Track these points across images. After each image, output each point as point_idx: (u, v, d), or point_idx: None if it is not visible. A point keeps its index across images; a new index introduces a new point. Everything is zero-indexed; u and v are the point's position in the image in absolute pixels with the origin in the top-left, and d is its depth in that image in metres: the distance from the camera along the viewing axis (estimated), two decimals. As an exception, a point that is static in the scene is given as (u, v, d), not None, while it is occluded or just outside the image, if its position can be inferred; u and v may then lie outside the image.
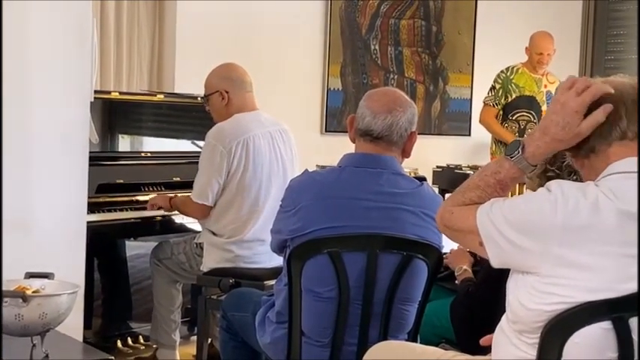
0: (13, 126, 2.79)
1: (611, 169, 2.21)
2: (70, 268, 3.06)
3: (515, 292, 2.20)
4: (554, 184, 2.22)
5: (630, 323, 2.11)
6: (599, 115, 2.18)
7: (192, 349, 4.72)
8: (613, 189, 2.16)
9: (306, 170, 3.20)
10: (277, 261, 4.14)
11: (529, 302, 2.16)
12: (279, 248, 3.17)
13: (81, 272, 3.27)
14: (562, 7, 7.53)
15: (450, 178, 5.98)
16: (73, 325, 2.67)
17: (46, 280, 2.51)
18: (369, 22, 6.84)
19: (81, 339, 2.91)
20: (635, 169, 2.19)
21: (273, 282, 4.19)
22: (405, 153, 3.14)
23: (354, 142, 3.14)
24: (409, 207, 3.04)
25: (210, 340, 4.48)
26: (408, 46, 7.02)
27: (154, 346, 4.66)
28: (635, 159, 2.20)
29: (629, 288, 2.08)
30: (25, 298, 2.30)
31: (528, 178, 3.32)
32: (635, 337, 2.12)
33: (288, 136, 4.41)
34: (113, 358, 2.54)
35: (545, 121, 2.33)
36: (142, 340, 4.82)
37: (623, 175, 2.19)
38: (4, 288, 2.41)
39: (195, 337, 4.74)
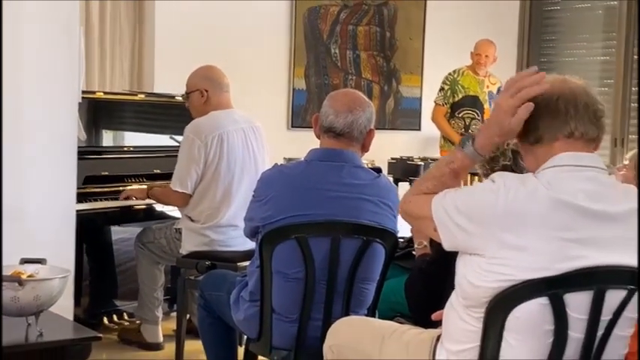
0: (7, 125, 2.77)
1: (551, 162, 2.21)
2: (61, 253, 3.06)
3: (464, 271, 2.22)
4: (497, 175, 2.25)
5: (565, 299, 2.12)
6: (523, 112, 2.20)
7: (172, 324, 4.71)
8: (550, 180, 2.18)
9: (276, 164, 3.21)
10: (249, 245, 4.12)
11: (476, 280, 2.17)
12: (251, 234, 3.17)
13: (71, 257, 3.26)
14: (501, 16, 7.59)
15: (402, 169, 6.02)
16: (65, 306, 2.66)
17: (39, 265, 2.49)
18: (330, 29, 6.86)
19: (72, 318, 2.90)
20: (574, 164, 2.20)
21: (245, 264, 4.19)
22: (365, 148, 3.15)
23: (318, 138, 3.14)
24: (368, 196, 3.05)
25: (188, 316, 4.46)
26: (364, 50, 7.05)
27: (138, 322, 4.64)
28: (575, 154, 2.21)
29: (565, 267, 2.09)
30: (21, 282, 2.30)
31: (477, 167, 3.37)
32: (569, 311, 2.13)
33: (259, 133, 4.40)
34: (101, 335, 2.53)
35: (488, 118, 2.40)
36: (126, 317, 4.80)
37: (561, 169, 2.20)
38: (4, 274, 2.40)
39: (175, 314, 4.74)
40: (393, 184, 3.34)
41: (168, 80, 5.76)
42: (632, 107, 7.18)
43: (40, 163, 3.03)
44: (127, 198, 4.55)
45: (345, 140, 3.06)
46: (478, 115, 6.55)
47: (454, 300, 2.31)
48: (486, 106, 6.56)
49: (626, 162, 3.91)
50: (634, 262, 2.17)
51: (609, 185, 2.25)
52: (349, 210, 2.99)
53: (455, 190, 2.29)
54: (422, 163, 5.92)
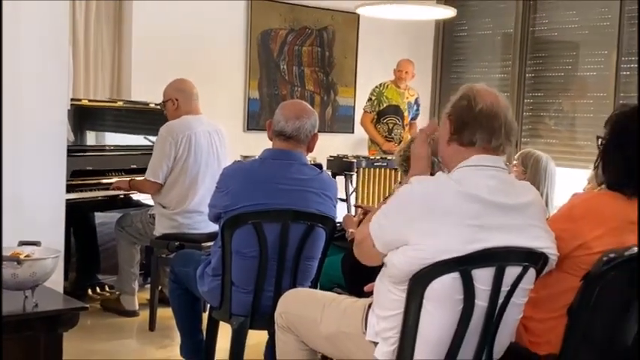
0: (7, 128, 2.73)
1: (463, 163, 2.24)
2: (53, 235, 3.03)
3: (392, 257, 2.21)
4: (414, 178, 2.27)
5: (472, 274, 2.14)
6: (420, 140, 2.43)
7: (146, 295, 4.66)
8: (459, 177, 2.21)
9: (236, 161, 3.21)
10: (212, 228, 4.12)
11: (402, 265, 2.18)
12: (214, 219, 3.15)
13: (61, 239, 3.23)
14: (420, 39, 7.65)
15: (339, 165, 6.02)
16: (56, 280, 2.62)
17: (35, 247, 2.45)
18: (279, 48, 6.84)
19: (62, 291, 2.85)
20: (481, 164, 2.23)
21: (209, 244, 4.18)
22: (309, 149, 3.16)
23: (271, 140, 3.13)
24: (312, 189, 3.07)
25: (160, 287, 4.45)
26: (308, 66, 7.05)
27: (117, 293, 4.61)
28: (482, 157, 2.23)
29: (472, 248, 2.11)
30: (19, 262, 2.26)
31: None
32: (476, 284, 2.15)
33: (222, 135, 4.39)
34: (88, 306, 2.49)
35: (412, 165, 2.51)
36: (107, 289, 4.78)
37: (470, 168, 2.23)
38: (4, 255, 2.36)
39: (148, 286, 4.68)
40: (332, 178, 3.33)
41: (144, 89, 5.71)
42: (524, 116, 7.31)
43: (35, 160, 2.99)
44: (116, 188, 4.53)
45: (294, 142, 3.06)
46: (399, 121, 6.56)
47: (382, 276, 2.32)
48: (406, 114, 6.59)
49: (515, 161, 3.98)
50: (528, 244, 2.21)
51: (509, 182, 2.29)
52: (296, 200, 2.99)
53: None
54: (354, 160, 5.92)
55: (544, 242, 2.25)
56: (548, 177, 3.92)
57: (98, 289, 4.74)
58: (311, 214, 3.00)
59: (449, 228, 2.13)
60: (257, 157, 3.14)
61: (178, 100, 4.28)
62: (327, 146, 6.03)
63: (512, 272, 2.20)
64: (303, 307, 2.62)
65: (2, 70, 2.58)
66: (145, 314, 4.47)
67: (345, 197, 5.87)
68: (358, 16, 6.94)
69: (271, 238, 2.94)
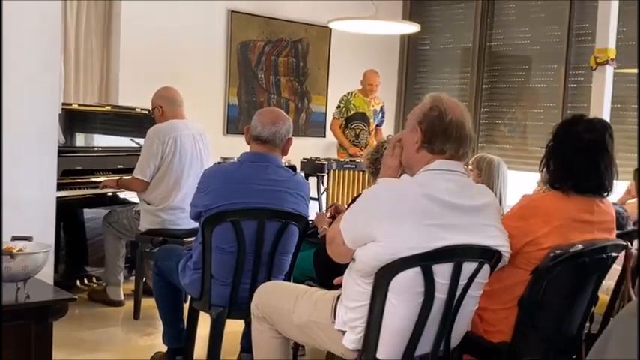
0: (3, 131, 2.69)
1: (427, 167, 2.24)
2: (44, 231, 2.98)
3: (360, 253, 2.21)
4: (380, 180, 2.28)
5: (433, 269, 2.14)
6: (389, 150, 2.40)
7: (131, 286, 4.61)
8: (422, 181, 2.21)
9: (216, 163, 3.19)
10: (193, 224, 4.06)
11: (368, 259, 2.18)
12: (195, 217, 3.13)
13: (52, 234, 3.18)
14: (386, 52, 7.66)
15: (311, 167, 6.01)
16: (46, 273, 2.57)
17: (27, 242, 2.41)
18: (257, 59, 6.81)
19: (52, 282, 2.79)
20: (443, 169, 2.23)
21: (190, 239, 4.15)
22: (284, 152, 3.14)
23: (249, 144, 3.11)
24: (287, 189, 3.05)
25: (144, 279, 4.40)
26: (283, 76, 7.02)
27: (104, 284, 4.55)
28: (444, 162, 2.23)
29: (433, 246, 2.12)
30: (13, 255, 2.23)
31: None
32: (436, 278, 2.15)
33: (205, 138, 4.34)
34: (76, 297, 2.44)
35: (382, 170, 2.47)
36: (94, 280, 4.71)
37: (432, 172, 2.23)
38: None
39: (133, 277, 4.64)
40: (305, 179, 3.33)
41: (130, 95, 5.67)
42: (480, 123, 7.35)
43: (28, 160, 2.94)
44: (105, 187, 4.48)
45: (270, 146, 3.05)
46: (365, 127, 6.53)
47: (351, 270, 2.31)
48: (372, 120, 6.56)
49: (470, 166, 4.01)
50: (484, 242, 2.22)
51: (467, 185, 2.30)
52: (272, 200, 2.98)
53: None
54: (326, 163, 5.92)
55: (498, 241, 2.27)
56: (501, 178, 3.94)
57: (86, 281, 4.68)
58: (285, 212, 2.98)
59: (412, 227, 2.13)
60: (236, 159, 3.12)
61: (162, 107, 4.24)
62: (301, 149, 6.02)
63: (468, 267, 2.21)
64: (277, 298, 2.60)
65: (2, 71, 2.54)
66: (129, 304, 4.42)
67: (317, 197, 5.87)
68: (330, 30, 6.93)
69: (248, 235, 2.91)
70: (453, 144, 2.25)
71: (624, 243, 2.57)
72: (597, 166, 2.53)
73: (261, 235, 2.93)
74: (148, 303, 4.35)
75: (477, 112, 7.30)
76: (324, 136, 7.25)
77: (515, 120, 7.15)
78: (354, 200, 3.31)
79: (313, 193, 5.89)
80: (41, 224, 2.92)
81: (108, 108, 5.09)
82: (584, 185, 2.53)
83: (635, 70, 5.93)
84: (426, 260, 2.13)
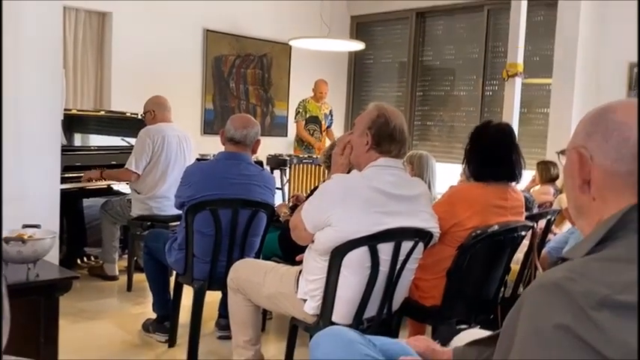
0: (12, 134, 2.62)
1: (372, 164, 2.26)
2: (50, 219, 2.91)
3: (319, 235, 2.21)
4: (334, 175, 2.28)
5: (378, 248, 2.17)
6: (339, 150, 2.36)
7: (124, 263, 4.57)
8: (368, 174, 2.23)
9: (196, 161, 3.15)
10: (177, 211, 4.02)
11: (325, 240, 2.19)
12: (179, 206, 3.08)
13: (56, 221, 3.11)
14: (336, 64, 7.66)
15: (275, 161, 5.98)
16: (52, 255, 2.50)
17: (36, 229, 2.35)
18: (229, 70, 6.74)
19: (57, 263, 2.73)
20: (385, 165, 2.24)
21: (174, 224, 4.10)
22: (254, 151, 3.12)
23: (223, 145, 3.08)
24: (256, 182, 3.03)
25: (135, 258, 4.34)
26: (251, 85, 6.97)
27: (101, 262, 4.47)
28: (386, 159, 2.24)
29: (377, 229, 2.14)
30: (24, 241, 2.18)
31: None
32: (380, 255, 2.18)
33: (189, 139, 4.27)
34: (79, 275, 2.41)
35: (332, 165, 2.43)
36: (93, 259, 4.61)
37: (377, 168, 2.24)
38: (11, 236, 2.26)
39: (125, 256, 4.60)
40: (271, 173, 3.31)
41: (122, 100, 5.58)
42: (415, 124, 7.42)
43: (36, 160, 2.86)
44: (89, 180, 4.37)
45: (241, 146, 3.02)
46: (318, 128, 6.50)
47: (310, 249, 2.32)
48: (323, 122, 6.53)
49: (404, 161, 4.03)
50: (419, 225, 2.26)
51: (405, 178, 2.33)
52: (244, 191, 2.96)
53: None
54: (288, 158, 5.90)
55: (430, 223, 2.31)
56: (429, 168, 3.95)
57: (85, 259, 4.59)
58: (255, 201, 2.98)
59: (360, 213, 2.15)
60: (212, 157, 3.09)
61: (155, 112, 4.18)
62: (267, 147, 5.99)
63: (406, 246, 2.25)
64: (249, 273, 2.60)
65: (2, 72, 2.43)
66: (123, 279, 4.35)
67: (280, 187, 5.86)
68: (290, 46, 6.90)
69: (224, 221, 2.90)
70: (397, 145, 2.28)
71: (531, 224, 2.64)
72: (509, 157, 2.59)
73: (235, 220, 2.91)
74: (139, 278, 4.30)
75: (411, 115, 7.36)
76: (286, 136, 7.23)
77: (442, 121, 7.23)
78: (312, 192, 3.32)
79: (278, 184, 5.90)
80: (48, 213, 2.85)
81: (102, 113, 4.99)
82: (501, 173, 2.58)
83: (538, 81, 6.07)
84: (372, 241, 2.16)
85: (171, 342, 3.22)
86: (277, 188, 5.53)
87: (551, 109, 5.71)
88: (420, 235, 2.28)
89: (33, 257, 2.21)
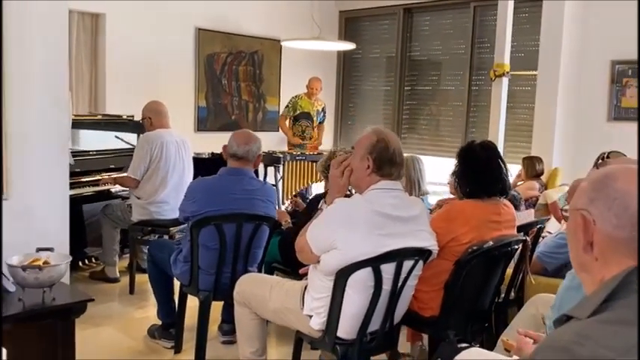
0: (21, 152, 2.61)
1: (373, 187, 2.30)
2: (60, 240, 2.83)
3: (325, 258, 2.26)
4: (337, 200, 2.30)
5: (381, 268, 2.22)
6: (346, 176, 2.34)
7: (123, 264, 4.64)
8: (370, 198, 2.27)
9: (199, 177, 3.15)
10: (176, 215, 4.02)
11: (330, 262, 2.24)
12: (184, 220, 3.11)
13: (67, 242, 2.99)
14: (326, 61, 7.64)
15: (270, 158, 5.97)
16: (65, 276, 2.53)
17: (50, 253, 2.37)
18: (221, 68, 6.71)
19: (68, 283, 2.73)
20: (386, 188, 2.28)
21: (173, 228, 4.16)
22: (255, 166, 3.14)
23: (227, 160, 3.08)
24: (259, 196, 3.06)
25: (136, 261, 4.38)
26: (243, 81, 6.94)
27: (102, 264, 4.50)
28: (387, 182, 2.29)
29: (380, 251, 2.19)
30: (41, 268, 2.21)
31: (319, 172, 3.44)
32: (383, 274, 2.24)
33: (187, 144, 4.31)
34: (94, 298, 2.40)
35: (330, 186, 2.44)
36: (94, 261, 4.64)
37: (378, 191, 2.29)
38: (25, 260, 2.29)
39: (125, 256, 4.67)
40: (272, 187, 3.32)
41: (117, 101, 5.57)
42: (403, 118, 7.47)
43: (43, 178, 2.78)
44: (105, 183, 4.44)
45: (244, 162, 3.04)
46: (310, 124, 6.53)
47: (315, 270, 2.36)
48: (315, 118, 6.56)
49: None
50: (418, 244, 2.31)
51: (405, 199, 2.37)
52: (247, 205, 2.99)
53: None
54: (281, 155, 5.93)
55: (429, 242, 2.37)
56: (417, 170, 4.01)
57: (87, 262, 4.63)
58: (258, 215, 3.00)
59: (364, 237, 2.19)
60: (217, 174, 3.08)
61: (152, 118, 4.19)
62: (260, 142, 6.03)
63: (407, 264, 2.31)
64: (255, 288, 2.64)
65: (2, 73, 2.42)
66: (124, 280, 4.39)
67: (274, 183, 5.89)
68: (280, 42, 6.90)
69: (229, 235, 2.92)
70: (397, 168, 2.33)
71: (524, 238, 2.71)
72: (499, 174, 2.66)
73: (239, 234, 2.95)
74: (140, 279, 4.36)
75: (400, 109, 7.40)
76: (278, 131, 7.23)
77: (430, 115, 7.25)
78: (311, 202, 3.36)
79: (271, 180, 5.95)
80: (58, 234, 2.79)
81: (99, 117, 4.96)
82: (493, 189, 2.66)
83: (524, 73, 6.12)
84: (375, 262, 2.22)
85: (177, 348, 3.27)
86: (272, 185, 5.57)
87: (537, 104, 5.78)
88: (420, 253, 2.34)
89: (49, 282, 2.24)
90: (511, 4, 5.67)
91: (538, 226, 3.08)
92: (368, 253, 2.19)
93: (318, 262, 2.31)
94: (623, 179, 1.14)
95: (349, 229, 2.20)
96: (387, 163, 2.30)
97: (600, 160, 1.71)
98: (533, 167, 5.33)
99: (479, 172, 2.63)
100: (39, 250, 2.39)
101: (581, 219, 1.15)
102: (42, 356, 2.23)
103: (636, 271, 1.11)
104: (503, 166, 2.69)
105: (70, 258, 2.38)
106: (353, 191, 2.51)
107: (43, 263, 2.26)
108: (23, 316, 2.16)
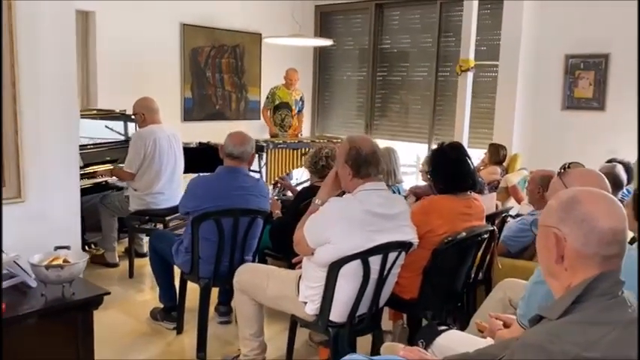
0: (34, 150, 2.61)
1: (361, 188, 2.40)
2: (73, 238, 2.85)
3: (319, 250, 2.36)
4: (331, 199, 2.40)
5: (369, 260, 2.34)
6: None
7: (120, 248, 4.70)
8: (361, 198, 2.38)
9: (199, 175, 3.20)
10: (170, 204, 4.19)
11: (324, 255, 2.35)
12: (184, 214, 3.17)
13: (79, 241, 3.00)
14: (304, 53, 7.64)
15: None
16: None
17: (67, 250, 2.42)
18: (205, 61, 6.69)
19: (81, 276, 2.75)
20: (373, 188, 2.38)
21: (169, 217, 4.22)
22: (249, 164, 3.19)
23: (223, 159, 3.12)
24: (253, 192, 3.12)
25: (133, 246, 4.43)
26: (226, 73, 6.94)
27: (102, 250, 4.53)
28: (374, 183, 2.39)
29: (369, 245, 2.32)
30: (62, 267, 2.27)
31: (306, 168, 3.55)
32: (371, 265, 2.36)
33: (178, 138, 4.33)
34: (110, 291, 2.44)
35: (323, 183, 2.55)
36: (93, 247, 4.64)
37: (366, 191, 2.39)
38: (46, 259, 2.34)
39: (122, 240, 4.74)
40: (264, 183, 3.38)
41: (107, 98, 5.54)
42: (376, 106, 7.57)
43: (57, 176, 2.76)
44: (101, 176, 4.43)
45: (239, 161, 3.09)
46: (289, 113, 6.57)
47: (309, 261, 2.46)
48: (294, 107, 6.59)
49: None
50: (401, 238, 2.44)
51: (389, 198, 2.48)
52: (243, 201, 3.04)
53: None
54: (265, 144, 5.95)
55: (410, 235, 2.50)
56: (392, 160, 4.13)
57: (87, 247, 4.65)
58: (253, 210, 3.07)
59: (356, 233, 2.31)
60: (215, 172, 3.12)
61: (144, 115, 4.21)
62: (243, 130, 6.08)
63: (392, 256, 2.44)
64: (254, 277, 2.74)
65: (2, 73, 2.40)
66: (123, 264, 4.45)
67: (258, 169, 5.96)
68: (261, 35, 6.93)
69: (227, 228, 2.99)
70: (373, 167, 2.42)
71: (492, 228, 2.87)
72: (467, 170, 2.81)
73: (236, 227, 3.02)
74: (138, 263, 4.43)
75: (372, 97, 7.49)
76: (259, 119, 7.25)
77: (400, 103, 7.35)
78: (300, 194, 3.45)
79: (255, 167, 6.01)
80: (71, 232, 2.80)
81: (94, 112, 4.94)
82: (463, 185, 2.80)
83: (487, 63, 6.25)
84: (364, 255, 2.35)
85: (179, 329, 3.36)
86: (254, 171, 5.63)
87: (498, 94, 5.95)
88: (403, 246, 2.47)
89: (69, 279, 2.30)
90: (476, 4, 5.78)
91: (503, 215, 3.24)
92: (358, 247, 2.31)
93: (312, 253, 2.42)
94: (587, 202, 1.28)
95: (343, 227, 2.30)
96: (363, 165, 2.40)
97: (562, 170, 1.85)
98: (497, 154, 5.52)
99: (450, 171, 2.78)
100: (57, 248, 2.43)
101: (553, 236, 1.29)
102: (64, 346, 2.30)
103: (597, 281, 1.26)
104: (470, 163, 2.84)
105: (87, 256, 2.44)
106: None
107: (63, 261, 2.31)
108: (47, 311, 2.23)
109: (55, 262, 2.30)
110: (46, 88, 2.63)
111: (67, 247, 2.45)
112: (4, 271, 2.31)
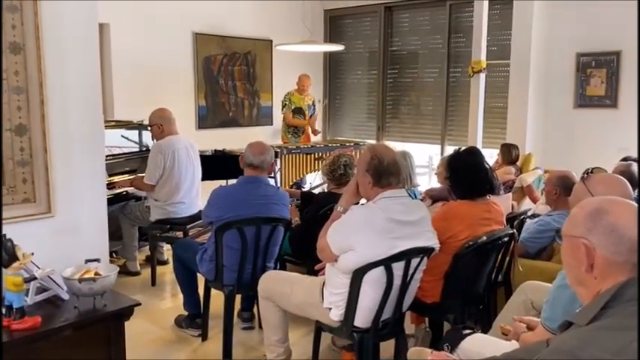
0: (63, 163, 2.63)
1: (381, 195, 2.43)
2: (101, 251, 2.80)
3: (342, 257, 2.40)
4: (354, 207, 2.45)
5: (392, 266, 2.37)
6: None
7: (141, 257, 4.75)
8: (382, 206, 2.41)
9: (220, 185, 3.25)
10: (190, 212, 4.27)
11: (348, 262, 2.38)
12: (208, 224, 3.22)
13: (106, 253, 2.96)
14: (314, 59, 7.70)
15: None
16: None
17: (97, 263, 2.46)
18: (218, 69, 6.77)
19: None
20: (394, 196, 2.42)
21: (189, 225, 4.27)
22: (269, 173, 3.23)
23: (244, 169, 3.17)
24: (274, 201, 3.16)
25: (155, 257, 4.50)
26: (238, 80, 7.01)
27: (124, 259, 4.58)
28: (394, 191, 2.42)
29: (392, 252, 2.34)
30: (94, 280, 2.31)
31: (323, 174, 3.59)
32: (394, 271, 2.39)
33: (195, 149, 4.39)
34: (141, 303, 2.49)
35: (345, 190, 2.59)
36: (114, 256, 4.71)
37: (387, 199, 2.42)
38: (77, 272, 2.39)
39: (143, 248, 4.78)
40: (284, 191, 3.40)
41: (123, 109, 5.62)
42: (386, 108, 7.60)
43: (85, 189, 2.74)
44: (121, 186, 4.48)
45: (259, 170, 3.13)
46: (302, 118, 6.67)
47: (333, 268, 2.49)
48: (307, 112, 6.67)
49: None
50: (424, 244, 2.47)
51: (410, 205, 2.50)
52: (265, 210, 3.08)
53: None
54: (279, 150, 5.99)
55: (432, 241, 2.53)
56: (408, 164, 4.15)
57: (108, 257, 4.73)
58: (274, 218, 3.10)
59: (379, 240, 2.35)
60: (236, 182, 3.16)
61: (162, 126, 4.26)
62: (255, 135, 6.13)
63: (414, 261, 2.47)
64: (278, 285, 2.78)
65: (2, 74, 2.37)
66: (145, 272, 4.51)
67: (273, 175, 6.01)
68: (272, 42, 6.98)
69: (249, 236, 3.03)
70: (394, 177, 2.46)
71: (512, 231, 2.89)
72: (485, 176, 2.84)
73: (258, 235, 3.06)
74: (160, 271, 4.49)
75: (383, 99, 7.53)
76: (272, 124, 7.34)
77: (411, 104, 7.39)
78: (309, 197, 3.48)
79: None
80: (100, 247, 2.80)
81: (111, 124, 5.01)
82: (481, 190, 2.83)
83: (497, 62, 6.27)
84: (387, 262, 2.38)
85: (204, 336, 3.41)
86: (270, 177, 5.68)
87: (510, 94, 5.97)
88: (425, 251, 2.50)
89: (101, 291, 2.34)
90: (486, 4, 5.80)
91: (522, 217, 3.27)
92: (381, 254, 2.34)
93: (336, 260, 2.45)
94: (613, 212, 1.32)
95: (366, 234, 2.34)
96: (384, 174, 2.43)
97: (585, 175, 1.88)
98: (509, 154, 5.53)
99: (468, 177, 2.80)
100: (87, 261, 2.48)
101: (583, 247, 1.32)
102: (97, 356, 2.36)
103: (627, 286, 1.30)
104: (488, 167, 2.87)
105: (117, 269, 2.49)
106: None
107: (95, 274, 2.37)
108: (80, 323, 2.28)
109: (86, 275, 2.35)
110: (73, 103, 2.67)
111: (97, 260, 2.49)
112: (37, 285, 2.37)
